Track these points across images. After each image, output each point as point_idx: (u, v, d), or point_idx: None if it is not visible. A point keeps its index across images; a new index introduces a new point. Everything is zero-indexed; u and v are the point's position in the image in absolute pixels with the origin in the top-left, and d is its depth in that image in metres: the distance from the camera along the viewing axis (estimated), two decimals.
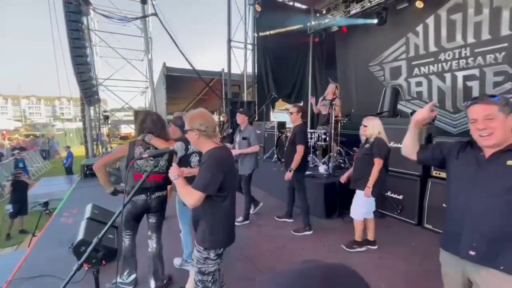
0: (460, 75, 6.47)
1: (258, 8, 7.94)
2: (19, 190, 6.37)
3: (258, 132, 5.35)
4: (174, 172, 1.61)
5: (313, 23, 9.56)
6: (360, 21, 7.34)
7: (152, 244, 2.54)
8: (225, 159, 1.70)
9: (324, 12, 9.03)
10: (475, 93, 6.22)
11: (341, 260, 2.75)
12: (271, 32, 9.28)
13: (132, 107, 10.65)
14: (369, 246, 3.07)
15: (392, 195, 3.77)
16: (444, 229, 1.50)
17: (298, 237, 3.38)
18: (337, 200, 3.78)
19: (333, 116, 4.30)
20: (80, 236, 2.81)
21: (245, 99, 9.43)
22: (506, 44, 5.63)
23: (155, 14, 7.58)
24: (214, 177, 1.56)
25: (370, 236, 3.10)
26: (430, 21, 6.86)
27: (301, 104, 9.35)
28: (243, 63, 9.40)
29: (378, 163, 2.82)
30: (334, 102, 4.49)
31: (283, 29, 9.44)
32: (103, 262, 2.79)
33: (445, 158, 1.48)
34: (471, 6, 6.11)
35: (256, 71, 9.22)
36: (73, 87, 8.32)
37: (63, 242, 3.39)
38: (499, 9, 5.69)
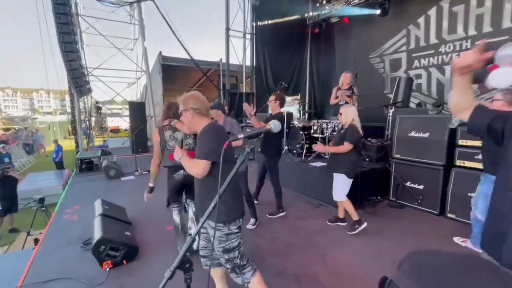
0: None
1: None
2: (8, 186, 5.87)
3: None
4: (178, 153, 1.73)
5: (312, 13, 9.44)
6: (363, 11, 7.22)
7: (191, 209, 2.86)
8: (222, 130, 1.81)
9: (324, 2, 8.82)
10: (474, 86, 6.29)
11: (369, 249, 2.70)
12: (270, 22, 9.06)
13: (125, 99, 10.11)
14: (339, 223, 3.38)
15: (412, 185, 3.73)
16: (485, 227, 1.21)
17: (328, 228, 3.33)
18: (358, 190, 3.70)
19: (355, 105, 4.19)
20: (99, 234, 2.55)
21: (244, 91, 9.19)
22: (507, 37, 5.69)
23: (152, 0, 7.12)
24: (215, 145, 1.57)
25: (341, 215, 3.40)
26: (432, 12, 6.86)
27: (299, 94, 9.21)
28: (241, 54, 9.10)
29: (346, 146, 3.03)
30: (354, 91, 4.36)
31: (281, 19, 9.23)
32: (124, 261, 2.58)
33: (503, 136, 1.09)
34: None
35: (254, 61, 8.98)
36: (53, 79, 7.77)
37: (73, 241, 3.12)
38: (501, 2, 5.73)
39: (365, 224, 3.09)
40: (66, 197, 4.72)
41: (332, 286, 2.21)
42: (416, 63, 7.30)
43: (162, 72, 8.17)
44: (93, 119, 9.36)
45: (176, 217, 2.81)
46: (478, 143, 3.04)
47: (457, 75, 1.18)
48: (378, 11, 7.22)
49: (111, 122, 16.11)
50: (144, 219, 3.63)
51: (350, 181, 3.14)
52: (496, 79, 1.07)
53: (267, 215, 3.65)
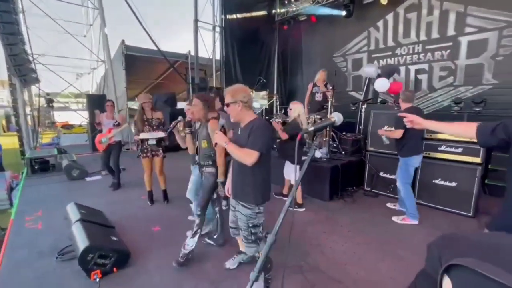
0: (412, 68, 7.23)
1: None
2: None
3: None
4: (223, 138, 1.91)
5: (280, 10, 9.55)
6: (331, 11, 7.52)
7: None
8: (271, 126, 2.03)
9: (292, 0, 8.97)
10: (424, 85, 7.06)
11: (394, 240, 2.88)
12: (238, 16, 8.94)
13: (80, 91, 9.02)
14: (282, 197, 3.94)
15: (385, 175, 4.07)
16: (498, 221, 1.40)
17: (317, 219, 3.43)
18: (339, 183, 3.90)
19: (332, 101, 4.37)
20: (84, 242, 2.27)
21: (214, 85, 8.96)
22: (451, 43, 6.50)
23: None
24: (269, 140, 1.86)
25: (285, 191, 3.96)
26: (390, 17, 7.46)
27: (267, 90, 9.31)
28: (210, 47, 8.83)
29: (283, 135, 3.53)
30: (330, 87, 4.54)
31: (250, 14, 9.18)
32: (114, 269, 2.36)
33: (509, 142, 1.30)
34: (424, 6, 6.82)
35: (223, 55, 8.81)
36: None
37: (45, 252, 2.72)
38: (447, 12, 6.49)
39: (303, 209, 3.62)
40: (21, 202, 4.08)
41: (334, 274, 2.32)
42: (375, 63, 7.89)
43: (125, 62, 7.49)
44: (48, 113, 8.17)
45: (200, 219, 2.55)
46: (441, 136, 3.41)
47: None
48: (343, 12, 7.60)
49: (58, 117, 14.33)
50: (126, 221, 3.34)
51: (294, 166, 3.21)
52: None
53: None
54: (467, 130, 1.44)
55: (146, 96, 3.67)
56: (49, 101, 7.37)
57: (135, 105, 11.33)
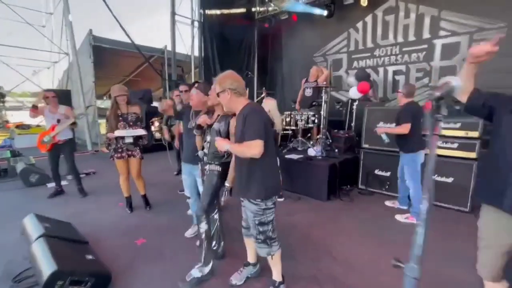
0: (390, 69, 7.39)
1: None
2: None
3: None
4: (223, 142, 1.73)
5: (259, 9, 9.36)
6: (312, 9, 7.43)
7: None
8: (262, 110, 1.81)
9: None
10: (401, 86, 7.22)
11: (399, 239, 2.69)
12: (217, 12, 8.55)
13: (39, 86, 7.91)
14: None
15: (380, 172, 3.96)
16: (484, 184, 1.52)
17: (319, 221, 3.14)
18: (337, 181, 3.71)
19: (327, 98, 4.17)
20: (51, 266, 1.75)
21: (192, 82, 8.42)
22: (426, 46, 6.73)
23: None
24: (263, 124, 1.66)
25: None
26: (369, 19, 7.57)
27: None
28: (188, 42, 8.31)
29: None
30: (324, 83, 4.35)
31: (229, 11, 8.84)
32: None
33: (495, 110, 1.38)
34: (401, 10, 7.00)
35: (202, 52, 8.37)
36: None
37: None
38: (422, 16, 6.70)
39: (282, 199, 3.61)
40: None
41: (356, 283, 2.06)
42: (355, 63, 7.97)
43: (93, 55, 6.70)
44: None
45: (205, 225, 2.18)
46: (442, 132, 3.34)
47: (468, 63, 1.40)
48: (325, 12, 7.57)
49: (12, 117, 12.66)
50: (101, 234, 2.79)
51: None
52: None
53: None
54: (466, 86, 1.44)
55: (120, 88, 3.14)
56: (1, 96, 6.33)
57: (104, 104, 10.33)
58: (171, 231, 2.88)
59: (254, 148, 1.60)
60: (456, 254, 2.44)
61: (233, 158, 1.99)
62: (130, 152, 3.20)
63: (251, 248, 2.09)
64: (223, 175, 2.14)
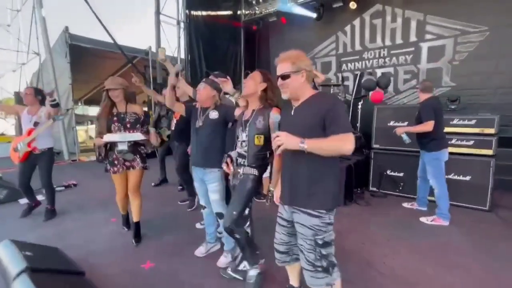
0: (379, 72, 7.44)
1: None
2: None
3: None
4: (293, 139, 1.26)
5: (245, 12, 9.17)
6: (303, 11, 7.32)
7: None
8: None
9: (261, 1, 8.61)
10: (390, 87, 7.27)
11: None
12: (203, 13, 8.20)
13: (5, 90, 6.95)
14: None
15: (393, 173, 3.79)
16: None
17: (346, 229, 2.86)
18: (352, 184, 3.47)
19: None
20: None
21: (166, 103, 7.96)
22: (413, 49, 6.86)
23: None
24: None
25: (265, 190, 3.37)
26: (357, 22, 7.61)
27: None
28: (173, 43, 7.85)
29: None
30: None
31: (215, 13, 8.52)
32: None
33: None
34: (388, 14, 7.11)
35: (189, 55, 7.95)
36: None
37: None
38: (409, 20, 6.84)
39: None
40: None
41: None
42: (344, 66, 7.96)
43: (70, 55, 5.99)
44: None
45: (239, 236, 1.83)
46: (451, 129, 3.24)
47: None
48: (314, 15, 7.50)
49: None
50: (95, 259, 2.27)
51: None
52: None
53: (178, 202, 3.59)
54: None
55: (113, 81, 2.42)
56: None
57: (82, 110, 9.43)
58: (180, 250, 2.44)
59: (349, 143, 1.23)
60: (493, 255, 2.29)
61: (276, 159, 1.65)
62: (128, 164, 2.51)
63: (295, 271, 1.73)
64: (259, 180, 1.80)
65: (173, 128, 3.41)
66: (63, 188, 4.21)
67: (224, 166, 1.93)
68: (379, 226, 2.90)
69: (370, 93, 5.09)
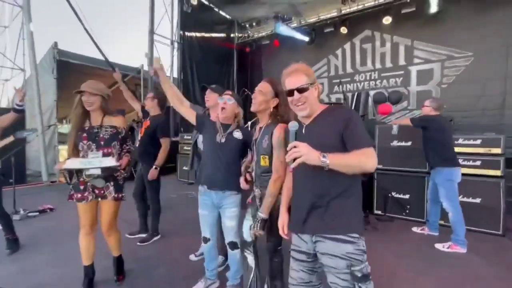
0: (371, 94, 7.51)
1: (195, 1, 6.71)
2: None
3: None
4: (314, 152, 1.03)
5: (238, 35, 9.34)
6: (296, 34, 7.44)
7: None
8: None
9: (254, 25, 8.79)
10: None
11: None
12: (197, 34, 8.23)
13: None
14: None
15: (398, 195, 3.58)
16: None
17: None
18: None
19: None
20: None
21: (170, 104, 7.75)
22: (402, 72, 7.03)
23: None
24: None
25: None
26: (347, 47, 7.81)
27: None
28: (166, 63, 7.72)
29: None
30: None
31: (209, 35, 8.58)
32: None
33: None
34: (377, 39, 7.33)
35: (182, 74, 7.86)
36: None
37: None
38: (397, 45, 7.07)
39: None
40: None
41: None
42: (336, 88, 8.04)
43: (57, 71, 5.70)
44: None
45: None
46: (457, 149, 3.11)
47: None
48: (307, 38, 7.65)
49: None
50: None
51: None
52: None
53: (138, 244, 2.85)
54: None
55: (92, 85, 1.90)
56: None
57: (67, 128, 8.94)
58: None
59: (374, 159, 1.07)
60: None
61: (288, 179, 1.39)
62: (98, 192, 1.92)
63: None
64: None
65: (137, 145, 2.92)
66: (37, 213, 3.71)
67: (242, 182, 1.74)
68: (393, 254, 2.62)
69: (378, 105, 5.01)
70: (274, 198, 1.48)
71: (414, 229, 3.21)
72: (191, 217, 3.19)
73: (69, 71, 6.27)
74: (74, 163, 1.83)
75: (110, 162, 1.88)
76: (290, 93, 1.24)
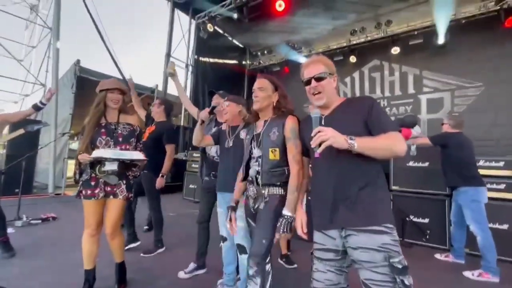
0: None
1: (211, 28, 7.14)
2: None
3: None
4: (342, 137, 1.01)
5: (249, 62, 9.76)
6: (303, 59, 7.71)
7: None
8: None
9: (265, 52, 9.22)
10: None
11: None
12: (211, 60, 8.64)
13: None
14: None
15: (416, 219, 3.39)
16: None
17: None
18: None
19: None
20: None
21: (182, 123, 7.94)
22: (412, 100, 7.09)
23: None
24: None
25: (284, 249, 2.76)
26: (356, 75, 8.02)
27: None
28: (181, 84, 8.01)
29: None
30: None
31: (222, 61, 9.00)
32: None
33: None
34: (386, 68, 7.54)
35: (193, 96, 8.13)
36: None
37: None
38: (406, 74, 7.23)
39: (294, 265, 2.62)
40: None
41: None
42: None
43: (77, 86, 5.94)
44: None
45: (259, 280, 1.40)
46: (484, 171, 2.99)
47: None
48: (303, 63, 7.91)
49: None
50: None
51: None
52: None
53: (142, 255, 2.69)
54: None
55: (118, 83, 1.95)
56: None
57: (75, 144, 9.08)
58: None
59: (402, 142, 1.05)
60: None
61: (314, 173, 1.32)
62: (109, 189, 1.87)
63: None
64: (284, 201, 1.44)
65: None
66: (40, 221, 3.60)
67: (227, 224, 1.61)
68: (416, 280, 2.38)
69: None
70: (298, 193, 1.39)
71: (437, 256, 2.97)
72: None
73: (88, 87, 6.51)
74: (106, 153, 1.77)
75: (139, 155, 1.87)
76: (308, 82, 1.24)
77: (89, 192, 1.82)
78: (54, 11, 5.52)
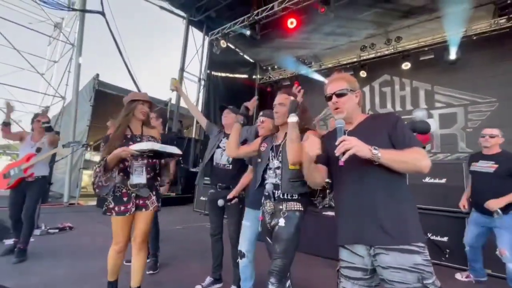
0: None
1: (224, 44, 7.41)
2: None
3: None
4: (365, 146, 1.04)
5: (259, 76, 9.99)
6: (319, 77, 7.87)
7: None
8: None
9: (276, 67, 9.45)
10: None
11: None
12: (222, 74, 8.89)
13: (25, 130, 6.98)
14: None
15: (434, 237, 3.31)
16: None
17: None
18: None
19: None
20: None
21: (193, 136, 8.10)
22: None
23: (102, 13, 5.72)
24: None
25: None
26: (366, 89, 8.08)
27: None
28: (192, 98, 8.25)
29: None
30: None
31: (233, 75, 9.25)
32: None
33: None
34: (396, 83, 7.59)
35: (205, 109, 8.33)
36: None
37: None
38: (417, 89, 7.25)
39: None
40: None
41: None
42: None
43: (94, 99, 6.19)
44: None
45: None
46: None
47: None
48: (327, 81, 8.03)
49: None
50: None
51: None
52: None
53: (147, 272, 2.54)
54: None
55: (147, 95, 2.01)
56: None
57: (89, 155, 9.33)
58: None
59: (427, 158, 1.05)
60: None
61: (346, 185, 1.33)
62: (141, 202, 1.85)
63: None
64: (303, 218, 1.47)
65: None
66: (57, 230, 3.69)
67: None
68: None
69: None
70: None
71: (458, 276, 2.88)
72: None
73: (105, 100, 6.80)
74: (148, 145, 1.70)
75: (175, 149, 1.81)
76: (329, 98, 1.30)
77: (122, 208, 1.78)
78: (78, 30, 5.86)
